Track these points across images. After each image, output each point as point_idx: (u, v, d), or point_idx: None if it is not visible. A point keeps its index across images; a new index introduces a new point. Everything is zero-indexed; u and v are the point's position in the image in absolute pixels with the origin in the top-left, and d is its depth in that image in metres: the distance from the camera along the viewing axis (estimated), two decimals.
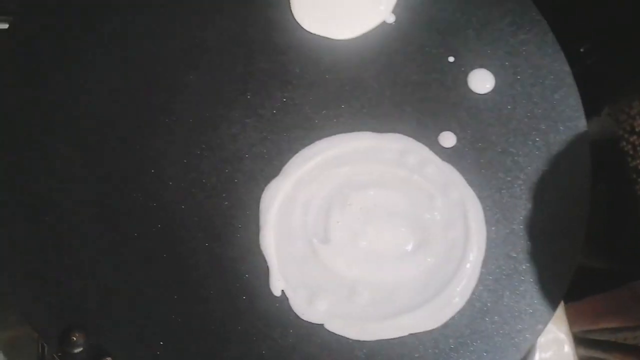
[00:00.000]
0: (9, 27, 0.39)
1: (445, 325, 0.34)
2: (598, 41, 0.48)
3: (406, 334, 0.34)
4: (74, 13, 0.39)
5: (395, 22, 0.39)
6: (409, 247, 0.36)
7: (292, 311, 0.34)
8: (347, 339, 0.34)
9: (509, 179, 0.37)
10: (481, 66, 0.39)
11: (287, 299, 0.34)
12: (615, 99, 0.46)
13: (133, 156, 0.36)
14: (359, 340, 0.34)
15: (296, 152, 0.37)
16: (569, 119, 0.38)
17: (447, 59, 0.39)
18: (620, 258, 0.45)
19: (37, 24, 0.39)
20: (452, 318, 0.34)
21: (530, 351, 0.37)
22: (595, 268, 0.46)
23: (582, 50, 0.48)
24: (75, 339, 0.32)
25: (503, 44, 0.39)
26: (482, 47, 0.39)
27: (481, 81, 0.39)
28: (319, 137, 0.37)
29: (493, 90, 0.39)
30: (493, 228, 0.36)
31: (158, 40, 0.38)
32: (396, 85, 0.39)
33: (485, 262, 0.35)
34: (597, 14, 0.48)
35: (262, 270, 0.35)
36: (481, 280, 0.35)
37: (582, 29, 0.48)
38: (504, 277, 0.35)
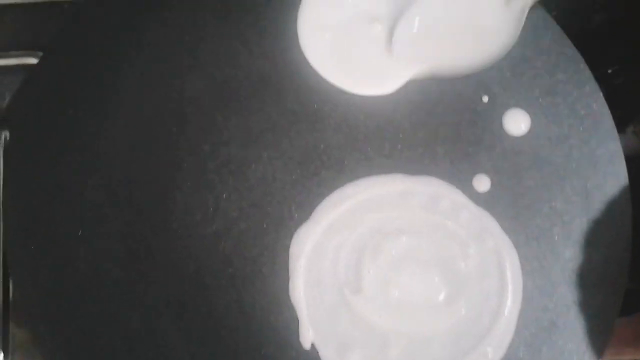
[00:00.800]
0: (37, 63, 0.39)
1: None
2: (626, 63, 0.47)
3: None
4: (104, 50, 0.38)
5: None
6: (442, 297, 0.35)
7: None
8: None
9: (546, 226, 0.36)
10: (516, 106, 0.38)
11: (317, 351, 0.33)
12: None
13: (160, 202, 0.35)
14: None
15: (326, 195, 0.36)
16: (608, 163, 0.37)
17: (482, 98, 0.38)
18: None
19: (66, 60, 0.38)
20: None
21: None
22: None
23: (610, 71, 0.48)
24: None
25: (539, 83, 0.38)
26: (518, 86, 0.38)
27: (516, 122, 0.38)
28: (350, 180, 0.36)
29: (529, 132, 0.37)
30: (530, 278, 0.35)
31: (186, 80, 0.37)
32: (428, 125, 0.37)
33: (521, 315, 0.34)
34: (625, 37, 0.47)
35: (292, 321, 0.34)
36: (517, 333, 0.34)
37: (610, 51, 0.47)
38: (541, 330, 0.34)
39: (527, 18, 0.39)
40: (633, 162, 0.41)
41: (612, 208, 0.36)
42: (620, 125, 0.44)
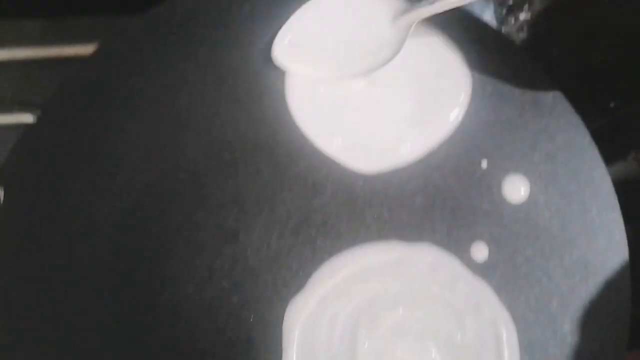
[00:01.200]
0: (34, 122, 0.38)
1: None
2: (627, 97, 0.47)
3: None
4: (100, 110, 0.37)
5: None
6: None
7: None
8: None
9: (544, 297, 0.35)
10: (516, 172, 0.37)
11: None
12: None
13: (152, 271, 0.35)
14: None
15: (322, 263, 0.36)
16: (607, 233, 0.36)
17: (481, 163, 0.37)
18: None
19: (62, 119, 0.37)
20: None
21: None
22: None
23: (612, 105, 0.48)
24: None
25: (539, 149, 0.38)
26: (518, 152, 0.38)
27: (516, 188, 0.37)
28: (346, 247, 0.36)
29: (528, 199, 0.37)
30: (527, 352, 0.34)
31: (180, 144, 0.37)
32: (426, 191, 0.37)
33: None
34: (627, 73, 0.47)
35: None
36: None
37: (613, 86, 0.47)
38: None
39: (527, 80, 0.39)
40: (634, 186, 0.41)
41: (611, 282, 0.35)
42: (623, 153, 0.44)
